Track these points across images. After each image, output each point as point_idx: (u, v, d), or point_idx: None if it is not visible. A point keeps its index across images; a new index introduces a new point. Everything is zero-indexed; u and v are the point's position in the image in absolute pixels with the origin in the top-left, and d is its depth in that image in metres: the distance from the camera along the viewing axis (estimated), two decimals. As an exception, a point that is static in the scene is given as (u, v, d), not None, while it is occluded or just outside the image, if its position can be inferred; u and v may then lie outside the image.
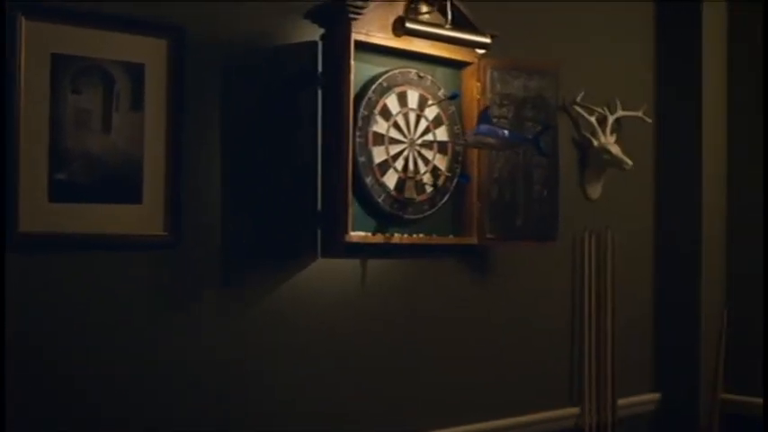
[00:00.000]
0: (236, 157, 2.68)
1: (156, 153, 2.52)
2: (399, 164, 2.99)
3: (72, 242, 2.37)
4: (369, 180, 2.90)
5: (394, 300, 3.06)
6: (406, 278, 3.09)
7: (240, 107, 2.70)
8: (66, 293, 2.36)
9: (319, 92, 2.84)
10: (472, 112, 3.17)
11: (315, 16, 2.83)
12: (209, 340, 2.62)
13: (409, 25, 2.86)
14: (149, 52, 2.51)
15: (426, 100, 3.06)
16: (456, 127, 3.15)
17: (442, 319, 3.19)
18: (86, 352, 2.40)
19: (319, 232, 2.84)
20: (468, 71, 3.20)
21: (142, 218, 2.49)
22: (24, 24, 2.28)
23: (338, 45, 2.80)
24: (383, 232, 2.96)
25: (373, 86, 2.92)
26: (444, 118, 3.12)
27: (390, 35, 2.90)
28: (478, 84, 3.18)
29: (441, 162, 3.11)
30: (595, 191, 3.75)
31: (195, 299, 2.60)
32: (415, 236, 3.04)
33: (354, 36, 2.78)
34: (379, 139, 2.93)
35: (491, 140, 3.02)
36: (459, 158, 3.16)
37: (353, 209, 2.81)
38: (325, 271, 2.86)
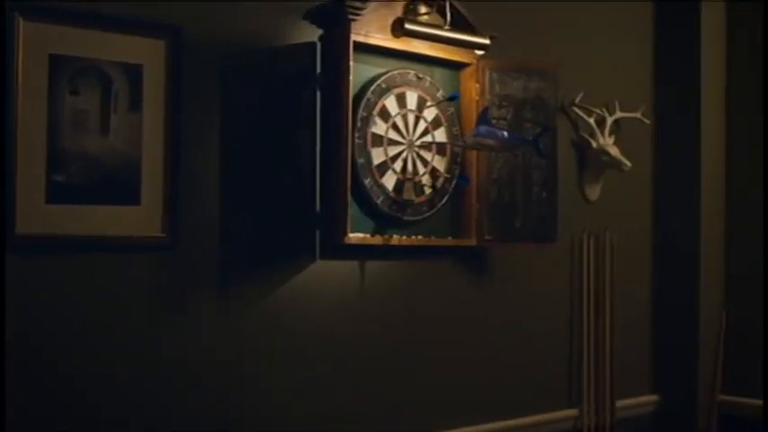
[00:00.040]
0: (235, 158, 2.67)
1: (155, 154, 2.51)
2: (398, 165, 2.98)
3: (70, 244, 2.36)
4: (367, 181, 2.89)
5: (392, 301, 3.05)
6: (405, 280, 3.08)
7: (238, 108, 2.69)
8: (65, 295, 2.35)
9: (318, 93, 2.83)
10: (471, 113, 3.17)
11: (313, 17, 2.82)
12: (207, 342, 2.61)
13: (408, 26, 2.86)
14: (147, 53, 2.50)
15: (425, 101, 3.06)
16: (455, 128, 3.14)
17: (440, 320, 3.18)
18: (85, 354, 2.39)
19: (318, 234, 2.83)
20: (466, 72, 3.20)
21: (140, 219, 2.49)
22: (22, 25, 2.27)
23: (337, 46, 2.79)
24: (382, 234, 2.95)
25: (372, 87, 2.91)
26: (443, 119, 3.11)
27: (389, 36, 2.89)
28: (477, 85, 3.18)
29: (439, 163, 3.10)
30: (594, 192, 3.74)
31: (193, 300, 2.59)
32: (413, 237, 3.04)
33: (353, 37, 2.77)
34: (378, 140, 2.93)
35: (490, 142, 3.02)
36: (458, 160, 3.16)
37: (352, 210, 2.81)
38: (323, 272, 2.85)
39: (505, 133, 3.06)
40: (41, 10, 2.31)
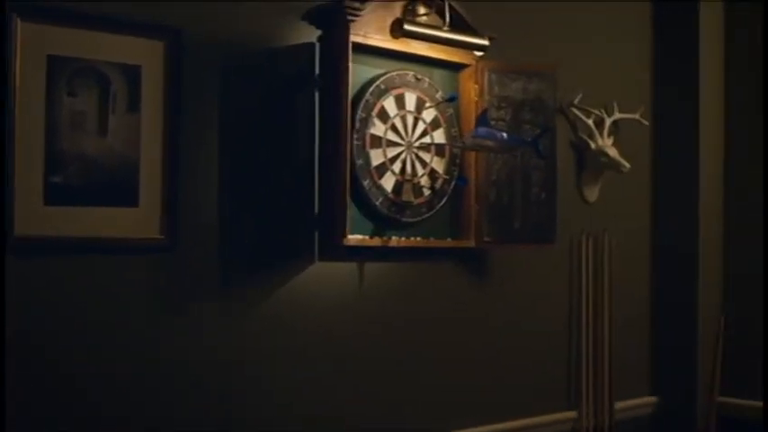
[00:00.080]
0: (233, 159, 2.66)
1: (153, 156, 2.50)
2: (397, 166, 2.97)
3: (68, 246, 2.35)
4: (366, 183, 2.89)
5: (391, 303, 3.04)
6: (404, 281, 3.08)
7: (237, 109, 2.68)
8: (63, 297, 2.34)
9: (316, 94, 2.82)
10: (470, 114, 3.16)
11: (312, 18, 2.81)
12: (206, 343, 2.60)
13: (407, 27, 2.85)
14: (146, 54, 2.49)
15: (424, 102, 3.05)
16: (454, 129, 3.14)
17: (439, 322, 3.18)
18: (84, 356, 2.38)
19: (317, 235, 2.83)
20: (465, 73, 3.19)
21: (138, 221, 2.47)
22: (20, 25, 2.26)
23: (336, 47, 2.78)
24: (381, 235, 2.94)
25: (371, 89, 2.90)
26: (442, 120, 3.10)
27: (388, 37, 2.89)
28: (476, 86, 3.17)
29: (438, 165, 3.09)
30: (593, 193, 3.74)
31: (192, 302, 2.58)
32: (412, 239, 3.03)
33: (352, 38, 2.77)
34: (377, 141, 2.92)
35: (490, 143, 3.01)
36: (457, 161, 3.15)
37: (351, 212, 2.80)
38: (322, 274, 2.85)
39: (504, 134, 3.05)
40: (39, 10, 2.29)
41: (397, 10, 2.90)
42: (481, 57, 3.15)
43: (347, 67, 2.75)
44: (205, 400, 2.59)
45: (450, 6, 2.98)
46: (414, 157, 3.02)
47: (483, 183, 3.18)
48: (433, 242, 3.09)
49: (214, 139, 2.63)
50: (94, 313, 2.39)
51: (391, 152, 2.96)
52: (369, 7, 2.80)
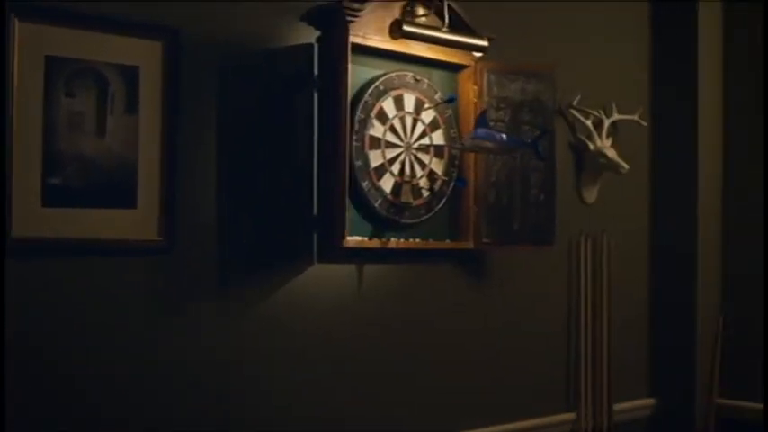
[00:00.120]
0: (232, 161, 2.65)
1: (151, 157, 2.48)
2: (396, 168, 2.97)
3: (66, 247, 2.34)
4: (365, 184, 2.88)
5: (390, 305, 3.03)
6: (403, 283, 3.07)
7: (236, 110, 2.67)
8: (61, 300, 2.33)
9: (315, 95, 2.81)
10: (469, 115, 3.15)
11: (311, 18, 2.80)
12: (205, 345, 2.59)
13: (406, 28, 2.84)
14: (144, 55, 2.47)
15: (423, 103, 3.04)
16: (453, 131, 3.13)
17: (438, 323, 3.17)
18: (82, 357, 2.36)
19: (315, 237, 2.82)
20: (464, 74, 3.18)
21: (137, 223, 2.46)
22: (18, 26, 2.24)
23: (335, 48, 2.77)
24: (379, 237, 2.94)
25: (370, 90, 2.89)
26: (441, 121, 3.09)
27: (387, 38, 2.88)
28: (475, 87, 3.16)
29: (437, 166, 3.08)
30: (591, 195, 3.73)
31: (191, 304, 2.57)
32: (411, 240, 3.02)
33: (351, 38, 2.76)
34: (376, 142, 2.91)
35: (489, 144, 3.00)
36: (456, 162, 3.14)
37: (350, 213, 2.79)
38: (321, 276, 2.84)
39: (504, 136, 3.04)
40: (37, 11, 2.28)
41: (396, 11, 2.89)
42: (480, 57, 3.14)
43: (346, 68, 2.74)
44: (204, 401, 2.58)
45: (450, 7, 2.97)
46: (413, 158, 3.01)
47: (482, 184, 3.17)
48: (431, 244, 3.08)
49: (212, 141, 2.62)
50: (93, 315, 2.38)
51: (390, 153, 2.95)
52: (368, 8, 2.79)
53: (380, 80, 2.93)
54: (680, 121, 3.96)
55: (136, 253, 2.46)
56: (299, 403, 2.79)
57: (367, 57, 2.89)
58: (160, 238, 2.49)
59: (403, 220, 2.99)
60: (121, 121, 2.44)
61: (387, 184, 2.94)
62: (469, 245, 3.17)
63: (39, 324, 2.30)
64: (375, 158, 2.90)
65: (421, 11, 2.95)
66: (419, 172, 3.03)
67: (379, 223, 2.95)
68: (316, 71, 2.82)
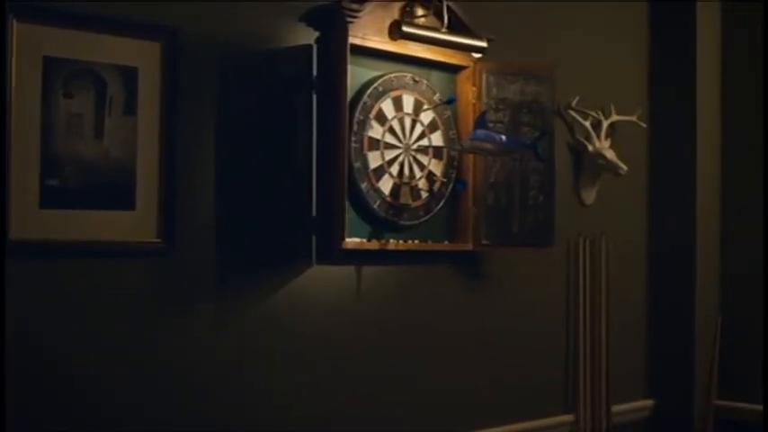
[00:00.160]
0: (231, 162, 2.65)
1: (150, 158, 2.48)
2: (395, 169, 2.96)
3: (64, 249, 2.33)
4: (364, 185, 2.87)
5: (389, 306, 3.03)
6: (402, 284, 3.06)
7: (235, 112, 2.66)
8: (59, 302, 2.32)
9: (314, 96, 2.81)
10: (468, 116, 3.15)
11: (310, 19, 2.80)
12: (204, 346, 2.58)
13: (405, 29, 2.84)
14: (143, 55, 2.47)
15: (422, 104, 3.03)
16: (451, 132, 3.12)
17: (436, 325, 3.16)
18: (82, 358, 2.36)
19: (314, 238, 2.81)
20: (463, 75, 3.18)
21: (135, 224, 2.45)
22: (16, 26, 2.24)
23: (334, 48, 2.77)
24: (378, 238, 2.93)
25: (368, 91, 2.89)
26: (440, 123, 3.09)
27: (386, 39, 2.87)
28: (474, 88, 3.16)
29: (436, 167, 3.08)
30: (590, 196, 3.73)
31: (189, 306, 2.57)
32: (410, 242, 3.01)
33: (350, 39, 2.75)
34: (375, 144, 2.90)
35: (488, 146, 2.99)
36: (455, 164, 3.13)
37: (349, 215, 2.78)
38: (320, 277, 2.83)
39: (503, 137, 3.04)
40: (35, 11, 2.27)
41: (395, 11, 2.89)
42: (479, 58, 3.14)
43: (345, 69, 2.73)
44: (202, 402, 2.58)
45: (449, 8, 2.97)
46: (411, 159, 3.01)
47: (481, 186, 3.17)
48: (430, 245, 3.08)
49: (211, 142, 2.61)
50: (92, 316, 2.38)
51: (389, 155, 2.94)
52: (367, 9, 2.78)
53: (379, 81, 2.92)
54: (679, 122, 3.96)
55: (134, 254, 2.45)
56: (299, 404, 2.78)
57: (366, 58, 2.89)
58: (159, 240, 2.49)
59: (402, 222, 2.99)
60: (120, 122, 2.43)
61: (386, 185, 2.93)
62: (468, 246, 3.16)
63: (38, 325, 2.29)
64: (374, 160, 2.90)
65: (420, 12, 2.95)
66: (418, 173, 3.02)
67: (378, 224, 2.94)
68: (315, 72, 2.81)
